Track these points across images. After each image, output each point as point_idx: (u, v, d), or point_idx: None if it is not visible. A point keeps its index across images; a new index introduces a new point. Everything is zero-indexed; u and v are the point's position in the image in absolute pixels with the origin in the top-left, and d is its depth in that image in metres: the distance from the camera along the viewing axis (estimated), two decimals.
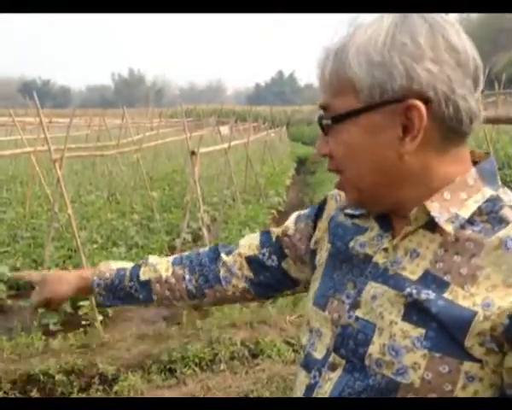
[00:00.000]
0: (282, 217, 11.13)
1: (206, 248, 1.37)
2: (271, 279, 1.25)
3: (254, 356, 4.19)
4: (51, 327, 5.12)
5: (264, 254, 1.25)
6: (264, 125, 20.59)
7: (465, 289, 0.81)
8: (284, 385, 3.53)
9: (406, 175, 0.87)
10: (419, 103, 0.81)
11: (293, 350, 4.22)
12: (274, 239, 1.25)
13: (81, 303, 5.35)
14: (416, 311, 0.83)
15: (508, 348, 0.77)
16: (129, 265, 1.39)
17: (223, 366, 4.05)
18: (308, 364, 0.99)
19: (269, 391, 3.56)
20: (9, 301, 5.87)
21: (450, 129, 0.84)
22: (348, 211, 1.05)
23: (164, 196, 11.12)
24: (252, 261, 1.26)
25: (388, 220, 0.95)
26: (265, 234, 1.28)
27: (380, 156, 0.86)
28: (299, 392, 0.99)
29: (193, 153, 6.17)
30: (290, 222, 1.25)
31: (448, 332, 0.80)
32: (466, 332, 0.78)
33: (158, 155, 15.87)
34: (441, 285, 0.83)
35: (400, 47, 0.81)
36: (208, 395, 3.58)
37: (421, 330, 0.82)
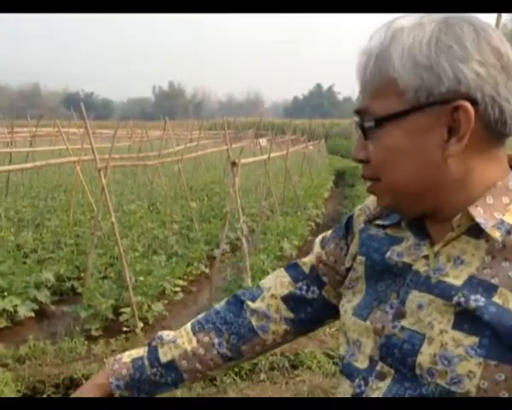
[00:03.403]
0: (320, 229, 11.08)
1: (223, 303, 1.26)
2: (313, 313, 1.18)
3: (294, 367, 4.16)
4: (93, 333, 5.21)
5: (301, 289, 1.17)
6: (302, 137, 20.57)
7: None
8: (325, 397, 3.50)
9: (448, 180, 0.85)
10: (467, 104, 0.80)
11: (334, 363, 4.18)
12: (308, 270, 1.18)
13: (122, 310, 5.43)
14: (466, 319, 0.81)
15: None
16: (142, 351, 1.23)
17: (262, 376, 4.04)
18: (351, 373, 0.97)
19: None
20: (53, 307, 6.00)
21: (494, 132, 0.84)
22: (378, 222, 1.03)
23: (203, 207, 11.22)
24: (289, 300, 1.18)
25: (423, 227, 0.92)
26: (293, 268, 1.21)
27: (423, 160, 0.85)
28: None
29: (234, 164, 6.20)
30: (318, 248, 1.19)
31: (502, 339, 0.78)
32: None
33: (197, 166, 16.04)
34: (488, 289, 0.81)
35: (446, 50, 0.81)
36: None
37: (474, 339, 0.80)
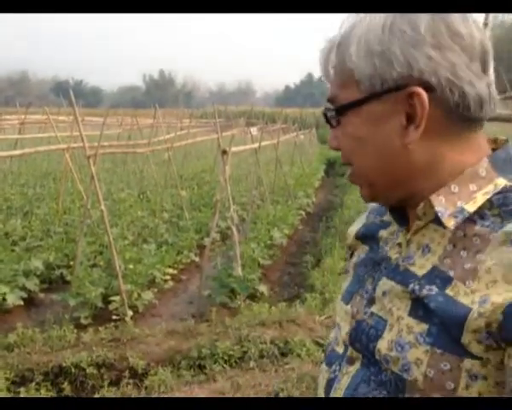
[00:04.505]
0: (310, 218, 11.10)
1: None
2: None
3: (283, 355, 4.17)
4: (82, 321, 5.20)
5: None
6: (293, 126, 20.53)
7: (466, 284, 0.78)
8: (314, 385, 3.50)
9: (415, 166, 0.84)
10: (420, 90, 0.79)
11: (323, 351, 4.19)
12: None
13: (112, 298, 5.42)
14: (420, 307, 0.81)
15: (505, 346, 0.73)
16: None
17: (252, 364, 4.04)
18: (331, 359, 0.98)
19: (299, 390, 3.53)
20: (42, 295, 5.98)
21: (457, 116, 0.81)
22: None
23: (193, 195, 11.19)
24: None
25: (404, 215, 0.91)
26: None
27: (384, 147, 0.84)
28: (320, 388, 0.99)
29: (224, 152, 6.18)
30: None
31: (447, 329, 0.77)
32: (462, 329, 0.75)
33: (187, 155, 15.98)
34: (445, 281, 0.80)
35: (399, 34, 0.80)
36: (238, 392, 3.57)
37: (425, 326, 0.79)
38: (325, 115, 0.90)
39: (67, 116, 18.20)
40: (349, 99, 0.85)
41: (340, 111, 0.87)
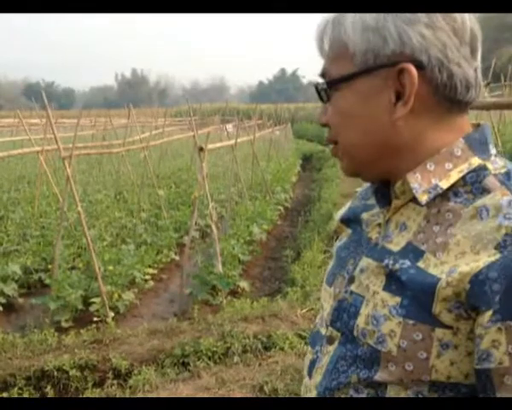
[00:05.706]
0: (288, 213, 11.14)
1: None
2: None
3: (267, 349, 4.20)
4: (63, 324, 5.16)
5: None
6: (268, 122, 20.56)
7: (437, 256, 0.81)
8: (299, 376, 3.54)
9: (399, 143, 0.86)
10: (411, 67, 0.81)
11: (306, 343, 4.23)
12: None
13: (92, 300, 5.38)
14: (393, 281, 0.84)
15: (474, 315, 0.76)
16: None
17: (236, 359, 4.06)
18: (314, 340, 1.00)
19: (283, 382, 3.57)
20: (21, 300, 5.91)
21: (444, 96, 0.83)
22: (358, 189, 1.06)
23: (171, 194, 11.15)
24: None
25: (386, 196, 0.93)
26: None
27: (372, 123, 0.86)
28: (305, 369, 1.01)
29: (201, 149, 6.18)
30: None
31: (418, 300, 0.80)
32: (432, 299, 0.78)
33: (163, 154, 15.91)
34: (417, 254, 0.83)
35: (395, 13, 0.82)
36: (223, 388, 3.59)
37: (398, 299, 0.82)
38: (316, 89, 0.90)
39: (40, 119, 17.96)
40: (341, 73, 0.86)
41: (331, 85, 0.88)
